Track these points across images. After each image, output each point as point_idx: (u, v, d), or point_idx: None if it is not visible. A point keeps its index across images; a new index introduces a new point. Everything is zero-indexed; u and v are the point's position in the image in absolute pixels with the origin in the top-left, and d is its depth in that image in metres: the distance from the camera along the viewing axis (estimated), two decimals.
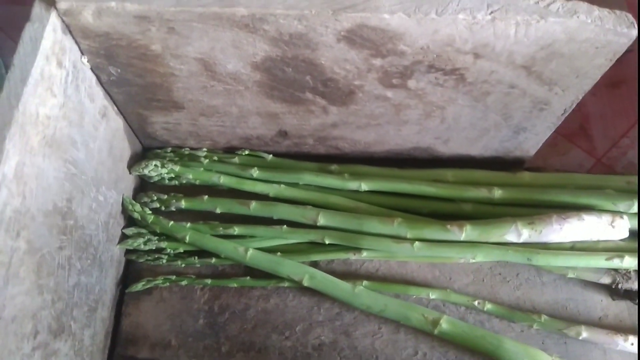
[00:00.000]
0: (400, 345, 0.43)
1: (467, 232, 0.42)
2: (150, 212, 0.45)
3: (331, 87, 0.39)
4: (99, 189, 0.40)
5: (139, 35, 0.34)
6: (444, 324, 0.41)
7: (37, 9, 0.32)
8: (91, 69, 0.37)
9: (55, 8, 0.32)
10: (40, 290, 0.32)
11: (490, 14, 0.32)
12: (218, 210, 0.46)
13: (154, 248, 0.45)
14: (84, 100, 0.37)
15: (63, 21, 0.33)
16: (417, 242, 0.42)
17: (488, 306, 0.43)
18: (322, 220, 0.44)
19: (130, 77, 0.38)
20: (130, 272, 0.46)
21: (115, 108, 0.42)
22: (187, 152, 0.48)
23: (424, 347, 0.43)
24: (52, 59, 0.32)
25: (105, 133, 0.41)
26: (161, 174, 0.46)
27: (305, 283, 0.43)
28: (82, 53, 0.36)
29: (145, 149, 0.50)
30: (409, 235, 0.43)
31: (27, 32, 0.31)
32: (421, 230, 0.42)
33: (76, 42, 0.35)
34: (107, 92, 0.40)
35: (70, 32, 0.34)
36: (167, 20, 0.32)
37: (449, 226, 0.42)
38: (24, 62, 0.30)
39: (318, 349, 0.43)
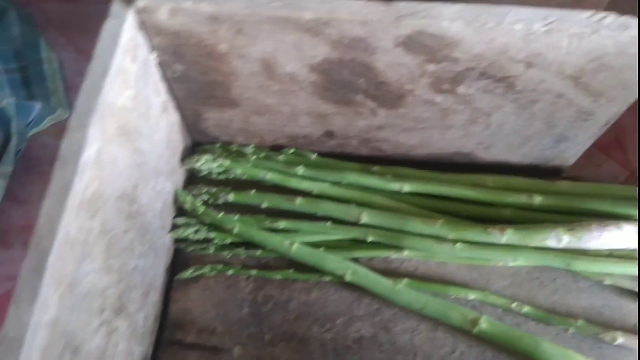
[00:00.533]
0: (438, 342, 0.44)
1: (508, 235, 0.43)
2: (200, 203, 0.47)
3: (383, 90, 0.41)
4: (158, 179, 0.42)
5: (208, 35, 0.36)
6: (483, 324, 0.42)
7: (116, 6, 0.34)
8: (158, 64, 0.39)
9: (134, 5, 0.34)
10: (108, 270, 0.34)
11: (545, 25, 0.33)
12: (264, 205, 0.48)
13: (202, 238, 0.47)
14: (151, 94, 0.39)
15: (139, 18, 0.35)
16: (458, 244, 0.44)
17: (525, 309, 0.44)
18: (365, 219, 0.45)
19: (193, 75, 0.41)
20: (179, 260, 0.48)
21: (174, 103, 0.45)
22: (234, 149, 0.50)
23: (462, 346, 0.44)
24: (128, 53, 0.34)
25: (165, 127, 0.43)
26: (211, 168, 0.48)
27: (348, 278, 0.45)
28: (152, 49, 0.38)
29: (195, 145, 0.52)
30: (450, 237, 0.44)
31: (107, 27, 0.34)
32: (463, 232, 0.44)
33: (148, 39, 0.37)
34: (169, 88, 0.42)
35: (144, 28, 0.36)
36: (237, 22, 0.34)
37: (490, 229, 0.43)
38: (104, 56, 0.32)
39: (358, 342, 0.45)
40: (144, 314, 0.41)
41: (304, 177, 0.49)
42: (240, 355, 0.44)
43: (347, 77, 0.39)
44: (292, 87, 0.41)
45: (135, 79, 0.36)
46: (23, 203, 0.54)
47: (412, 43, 0.35)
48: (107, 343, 0.35)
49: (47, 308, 0.27)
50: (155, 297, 0.44)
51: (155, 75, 0.39)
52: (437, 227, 0.44)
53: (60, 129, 0.58)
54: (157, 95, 0.40)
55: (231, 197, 0.48)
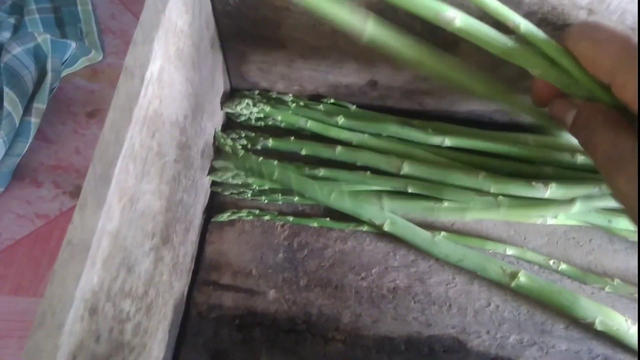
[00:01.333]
0: (473, 296, 0.44)
1: (552, 189, 0.42)
2: (241, 146, 0.47)
3: (437, 35, 0.40)
4: (202, 116, 0.42)
5: None
6: (522, 278, 0.42)
7: None
8: None
9: None
10: (160, 195, 0.33)
11: None
12: (303, 152, 0.47)
13: (240, 183, 0.46)
14: (203, 25, 0.38)
15: None
16: (500, 197, 0.44)
17: (562, 266, 0.44)
18: (406, 169, 0.45)
19: (244, 9, 0.40)
20: (214, 203, 0.48)
21: (219, 42, 0.44)
22: (274, 96, 0.50)
23: (497, 300, 0.44)
24: None
25: (211, 63, 0.42)
26: (252, 112, 0.48)
27: (386, 228, 0.44)
28: None
29: (233, 90, 0.51)
30: (492, 190, 0.44)
31: None
32: (505, 185, 0.43)
33: None
34: (217, 24, 0.42)
35: None
36: None
37: (534, 183, 0.43)
38: None
39: (393, 292, 0.44)
40: (184, 250, 0.41)
41: (344, 128, 0.48)
42: (275, 299, 0.44)
43: (402, 18, 0.39)
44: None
45: (192, 4, 0.35)
46: (53, 143, 0.53)
47: None
48: (155, 270, 0.34)
49: (111, 217, 0.26)
50: (193, 236, 0.43)
51: (208, 6, 0.39)
52: (479, 179, 0.44)
53: (93, 71, 0.57)
54: (208, 29, 0.39)
55: (270, 142, 0.48)
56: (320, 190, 0.45)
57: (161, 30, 0.30)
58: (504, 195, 0.44)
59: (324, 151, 0.47)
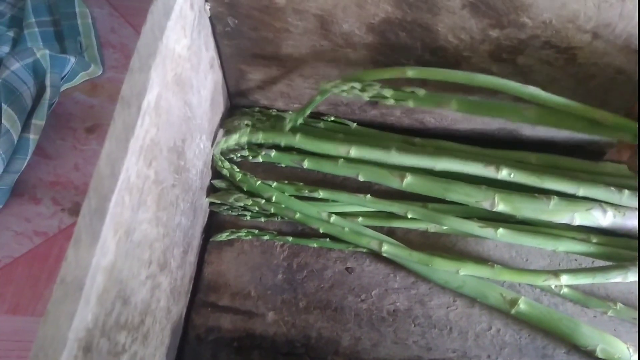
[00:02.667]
0: (474, 319, 0.44)
1: (554, 201, 0.42)
2: (238, 170, 0.46)
3: (439, 56, 0.39)
4: (201, 137, 0.41)
5: None
6: (522, 305, 0.42)
7: None
8: (209, 17, 0.38)
9: None
10: (157, 222, 0.33)
11: None
12: (306, 165, 0.46)
13: (240, 205, 0.46)
14: (202, 47, 0.38)
15: None
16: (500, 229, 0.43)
17: (564, 290, 0.44)
18: (408, 181, 0.44)
19: (244, 30, 0.39)
20: (213, 222, 0.47)
21: (219, 61, 0.43)
22: (274, 114, 0.49)
23: (498, 323, 0.44)
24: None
25: (210, 84, 0.42)
26: (251, 140, 0.47)
27: (384, 253, 0.44)
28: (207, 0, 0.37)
29: (233, 107, 0.51)
30: (497, 205, 0.43)
31: None
32: (509, 196, 0.42)
33: None
34: (217, 44, 0.41)
35: None
36: None
37: (537, 195, 0.42)
38: None
39: (393, 315, 0.44)
40: (182, 273, 0.40)
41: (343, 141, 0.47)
42: (274, 321, 0.43)
43: (404, 40, 0.38)
44: (345, 49, 0.40)
45: (191, 28, 0.34)
46: (52, 159, 0.53)
47: (481, 4, 0.34)
48: (151, 297, 0.34)
49: (106, 252, 0.26)
50: (191, 257, 0.43)
51: (207, 28, 0.38)
52: (483, 190, 0.43)
53: (92, 85, 0.57)
54: (207, 49, 0.39)
55: (273, 154, 0.47)
56: (319, 215, 0.44)
57: (158, 58, 0.29)
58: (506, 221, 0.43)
59: (325, 165, 0.46)
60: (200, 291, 0.44)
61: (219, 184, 0.46)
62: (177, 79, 0.33)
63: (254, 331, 0.43)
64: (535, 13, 0.34)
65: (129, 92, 0.28)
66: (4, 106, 0.48)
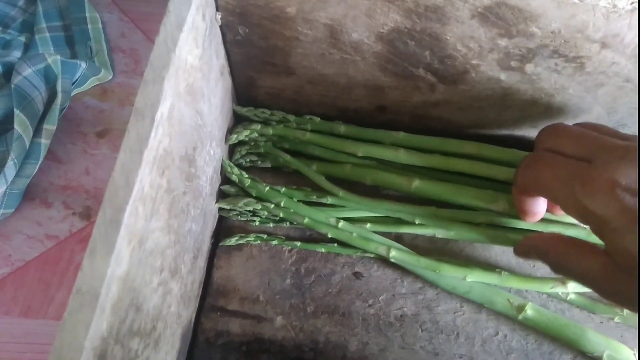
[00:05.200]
0: (481, 324, 0.44)
1: None
2: (247, 175, 0.46)
3: (447, 64, 0.40)
4: (211, 144, 0.42)
5: None
6: (529, 311, 0.42)
7: None
8: (220, 26, 0.39)
9: None
10: (169, 230, 0.33)
11: (631, 4, 0.32)
12: (314, 169, 0.47)
13: (249, 210, 0.46)
14: (212, 56, 0.38)
15: None
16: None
17: (571, 296, 0.44)
18: (416, 185, 0.44)
19: (254, 39, 0.40)
20: (222, 227, 0.48)
21: (229, 69, 0.44)
22: (280, 117, 0.49)
23: (505, 329, 0.44)
24: (200, 10, 0.33)
25: (221, 91, 0.42)
26: (262, 133, 0.48)
27: (392, 259, 0.44)
28: (218, 9, 0.37)
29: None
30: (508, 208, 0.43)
31: None
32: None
33: None
34: (227, 52, 0.42)
35: None
36: None
37: None
38: (179, 10, 0.31)
39: (400, 320, 0.44)
40: (192, 278, 0.41)
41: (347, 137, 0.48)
42: (283, 325, 0.44)
43: (412, 49, 0.38)
44: (354, 57, 0.40)
45: (203, 38, 0.35)
46: (63, 163, 0.53)
47: (490, 15, 0.34)
48: (163, 304, 0.34)
49: (120, 262, 0.26)
50: (201, 262, 0.44)
51: (218, 37, 0.39)
52: (490, 193, 0.43)
53: (103, 90, 0.57)
54: (217, 58, 0.39)
55: (281, 159, 0.48)
56: (327, 221, 0.45)
57: (171, 69, 0.30)
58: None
59: (334, 169, 0.47)
60: (210, 295, 0.45)
61: (228, 189, 0.47)
62: (189, 89, 0.33)
63: (262, 335, 0.43)
64: (544, 23, 0.34)
65: (143, 104, 0.28)
66: (17, 111, 0.49)
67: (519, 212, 0.39)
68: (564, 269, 0.33)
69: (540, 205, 0.38)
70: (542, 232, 0.38)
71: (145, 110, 0.28)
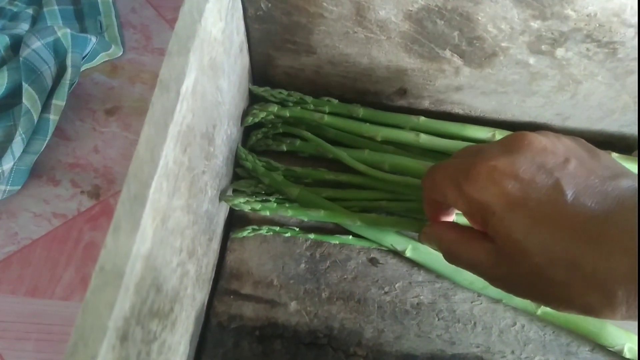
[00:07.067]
0: (499, 314, 0.43)
1: None
2: (262, 164, 0.45)
3: (475, 46, 0.38)
4: (229, 123, 0.40)
5: None
6: None
7: None
8: (242, 0, 0.37)
9: None
10: (188, 210, 0.32)
11: None
12: (330, 156, 0.46)
13: (262, 200, 0.45)
14: (233, 31, 0.37)
15: None
16: None
17: None
18: None
19: (276, 14, 0.38)
20: (236, 211, 0.47)
21: (247, 45, 0.42)
22: (298, 98, 0.48)
23: (523, 319, 0.43)
24: None
25: (239, 68, 0.41)
26: (279, 115, 0.46)
27: (408, 254, 0.43)
28: None
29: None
30: None
31: None
32: None
33: None
34: (247, 28, 0.40)
35: None
36: None
37: None
38: None
39: (416, 308, 0.44)
40: (207, 260, 0.40)
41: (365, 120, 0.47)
42: (297, 311, 0.43)
43: (441, 28, 0.37)
44: (379, 36, 0.39)
45: (226, 11, 0.33)
46: (71, 140, 0.52)
47: None
48: (180, 285, 0.33)
49: (145, 239, 0.25)
50: (215, 244, 0.43)
51: (239, 11, 0.37)
52: None
53: (112, 67, 0.56)
54: (238, 33, 0.38)
55: (297, 143, 0.46)
56: (345, 215, 0.44)
57: (197, 41, 0.29)
58: None
59: (351, 154, 0.45)
60: (223, 278, 0.44)
61: (242, 172, 0.45)
62: (212, 63, 0.32)
63: (276, 320, 0.43)
64: (581, 5, 0.33)
65: (168, 76, 0.27)
66: (25, 85, 0.47)
67: (428, 220, 0.38)
68: (455, 257, 0.32)
69: (442, 212, 0.37)
70: (440, 221, 0.37)
71: (170, 83, 0.27)
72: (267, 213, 0.43)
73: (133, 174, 0.25)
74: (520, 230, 0.27)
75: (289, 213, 0.43)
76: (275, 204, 0.44)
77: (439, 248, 0.34)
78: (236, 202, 0.42)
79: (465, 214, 0.31)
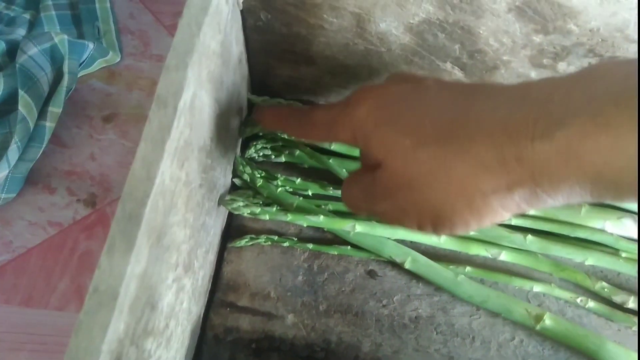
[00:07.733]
0: (497, 328, 0.43)
1: (586, 208, 0.41)
2: (259, 175, 0.45)
3: (477, 59, 0.38)
4: (227, 134, 0.40)
5: None
6: (547, 321, 0.41)
7: None
8: (241, 11, 0.37)
9: None
10: (185, 224, 0.32)
11: None
12: (331, 162, 0.45)
13: (257, 211, 0.44)
14: (232, 42, 0.36)
15: None
16: (529, 235, 0.42)
17: (590, 304, 0.43)
18: None
19: (276, 25, 0.38)
20: (233, 221, 0.46)
21: (246, 56, 0.42)
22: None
23: (522, 334, 0.43)
24: None
25: (238, 79, 0.40)
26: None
27: (407, 265, 0.43)
28: None
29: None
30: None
31: None
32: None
33: None
34: (246, 38, 0.40)
35: None
36: None
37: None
38: None
39: (415, 321, 0.43)
40: (203, 273, 0.39)
41: None
42: (294, 323, 0.43)
43: (442, 41, 0.37)
44: (379, 48, 0.39)
45: (225, 23, 0.33)
46: (68, 147, 0.52)
47: (528, 9, 0.32)
48: (176, 300, 0.33)
49: (140, 259, 0.25)
50: (212, 256, 0.42)
51: (238, 22, 0.37)
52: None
53: (110, 73, 0.55)
54: (237, 44, 0.38)
55: (296, 153, 0.46)
56: (340, 220, 0.43)
57: (195, 55, 0.28)
58: (532, 232, 0.42)
59: (350, 165, 0.45)
60: (219, 290, 0.44)
61: (240, 182, 0.45)
62: (210, 77, 0.32)
63: (273, 333, 0.42)
64: (584, 20, 0.33)
65: (166, 91, 0.27)
66: (21, 92, 0.47)
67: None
68: (354, 200, 0.31)
69: None
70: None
71: (167, 99, 0.27)
72: (267, 217, 0.43)
73: (128, 192, 0.25)
74: (387, 143, 0.26)
75: (288, 218, 0.43)
76: (275, 208, 0.43)
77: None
78: (235, 206, 0.42)
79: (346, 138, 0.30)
